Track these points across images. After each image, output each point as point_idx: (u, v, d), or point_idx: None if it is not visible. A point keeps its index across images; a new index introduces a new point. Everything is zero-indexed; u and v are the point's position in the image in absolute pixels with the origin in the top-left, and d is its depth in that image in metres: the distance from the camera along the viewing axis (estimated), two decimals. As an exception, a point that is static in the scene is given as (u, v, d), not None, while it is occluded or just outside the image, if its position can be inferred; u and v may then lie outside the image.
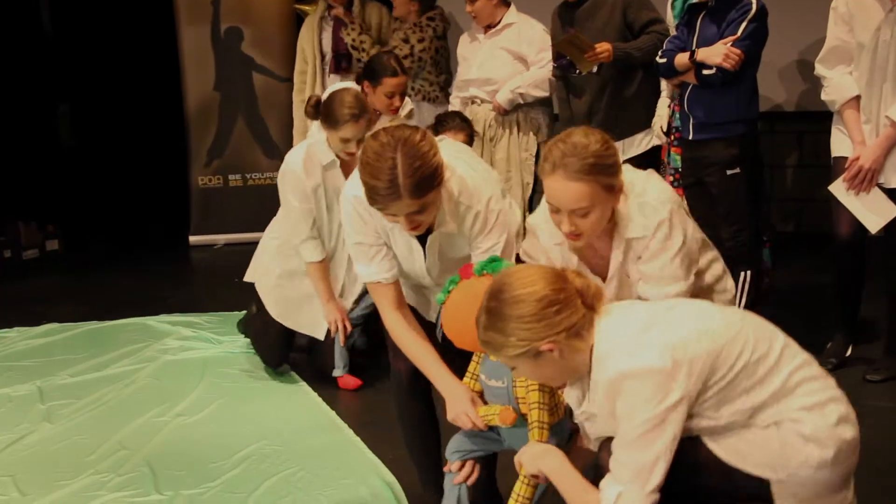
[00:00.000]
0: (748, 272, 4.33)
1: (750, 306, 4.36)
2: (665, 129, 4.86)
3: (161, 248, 7.74)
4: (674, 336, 2.20)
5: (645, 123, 4.84)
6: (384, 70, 4.58)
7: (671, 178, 4.95)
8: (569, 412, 2.62)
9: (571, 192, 2.57)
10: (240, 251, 7.40)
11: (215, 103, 7.49)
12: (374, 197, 2.65)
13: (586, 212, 2.59)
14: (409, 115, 4.84)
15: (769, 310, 4.70)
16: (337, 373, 4.35)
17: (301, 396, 4.27)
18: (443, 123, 4.81)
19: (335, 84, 4.36)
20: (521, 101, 5.27)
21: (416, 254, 2.90)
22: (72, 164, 9.37)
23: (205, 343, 5.04)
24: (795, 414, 2.24)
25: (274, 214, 6.45)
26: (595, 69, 4.71)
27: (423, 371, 2.87)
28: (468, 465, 2.80)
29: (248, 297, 5.71)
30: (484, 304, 2.30)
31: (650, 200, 2.68)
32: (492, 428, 2.72)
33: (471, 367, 2.82)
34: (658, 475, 2.20)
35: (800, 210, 6.91)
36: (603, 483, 2.27)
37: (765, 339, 2.29)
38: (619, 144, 4.71)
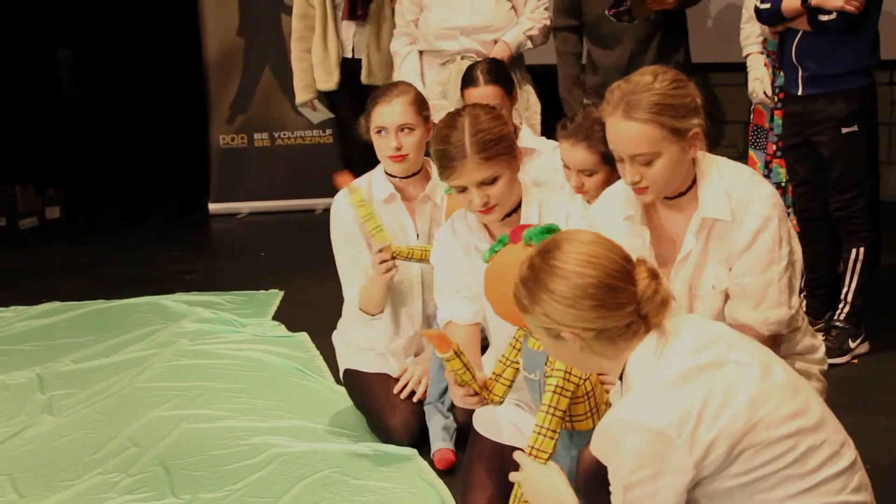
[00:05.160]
0: (861, 248, 4.29)
1: (862, 290, 4.33)
2: (768, 93, 4.85)
3: (177, 217, 7.84)
4: (710, 405, 2.10)
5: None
6: (466, 77, 4.32)
7: (775, 147, 4.92)
8: None
9: (630, 133, 2.63)
10: (266, 221, 7.51)
11: (239, 50, 7.54)
12: (443, 163, 3.07)
13: (650, 158, 2.64)
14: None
15: (875, 296, 4.73)
16: (437, 445, 3.63)
17: (337, 391, 4.29)
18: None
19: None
20: (529, 46, 5.17)
21: None
22: (74, 119, 9.48)
23: (226, 326, 5.10)
24: None
25: (306, 178, 6.53)
26: (652, 16, 4.73)
27: None
28: None
29: (279, 280, 5.83)
30: (531, 255, 2.31)
31: (754, 197, 2.70)
32: None
33: (506, 352, 2.91)
34: None
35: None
36: None
37: (822, 450, 2.16)
38: None
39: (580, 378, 2.66)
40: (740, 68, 5.18)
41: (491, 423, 3.25)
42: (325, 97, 6.02)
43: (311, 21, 5.93)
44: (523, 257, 2.47)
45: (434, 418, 3.67)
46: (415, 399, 3.77)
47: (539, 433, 2.61)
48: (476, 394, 2.87)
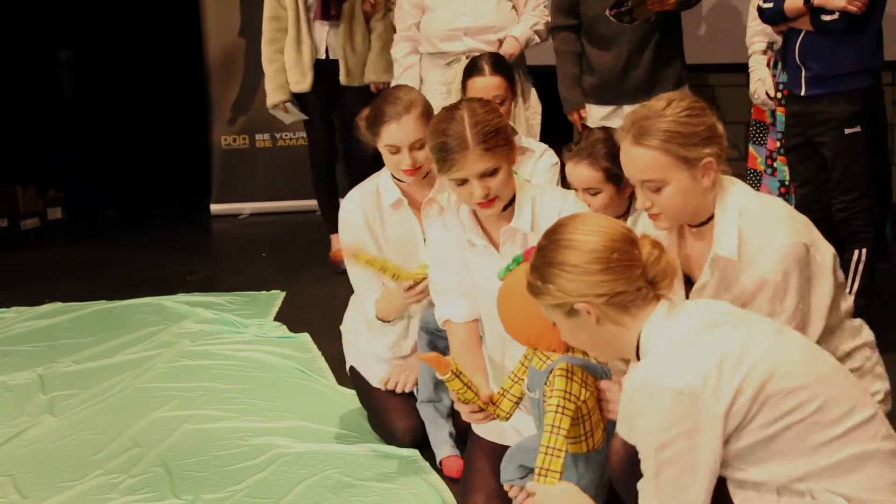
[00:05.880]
0: (863, 249, 4.30)
1: (864, 291, 4.33)
2: (770, 94, 4.85)
3: (178, 218, 7.85)
4: (728, 357, 2.17)
5: (681, 79, 4.86)
6: (471, 67, 4.32)
7: (778, 144, 4.93)
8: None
9: (638, 159, 2.65)
10: (268, 222, 7.52)
11: (241, 51, 7.54)
12: (442, 156, 3.04)
13: (658, 186, 2.65)
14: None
15: (884, 299, 4.72)
16: (444, 452, 3.60)
17: (339, 392, 4.31)
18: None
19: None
20: (537, 41, 5.21)
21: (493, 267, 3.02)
22: (76, 120, 9.48)
23: (228, 327, 5.11)
24: (839, 500, 2.20)
25: (307, 179, 6.52)
26: (653, 17, 4.74)
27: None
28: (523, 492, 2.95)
29: (280, 281, 5.84)
30: (538, 242, 2.40)
31: (767, 246, 2.65)
32: None
33: (515, 369, 2.92)
34: None
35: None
36: None
37: (843, 401, 2.23)
38: None
39: (579, 399, 2.67)
40: (739, 69, 5.18)
41: (489, 425, 3.26)
42: (296, 98, 6.03)
43: (283, 23, 5.93)
44: None
45: (435, 423, 3.65)
46: (406, 390, 3.77)
47: (545, 453, 2.61)
48: (481, 409, 2.88)
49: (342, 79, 5.90)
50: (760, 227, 2.68)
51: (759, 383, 2.15)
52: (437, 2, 5.20)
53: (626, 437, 2.31)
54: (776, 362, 2.18)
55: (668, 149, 2.61)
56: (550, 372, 2.70)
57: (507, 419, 2.95)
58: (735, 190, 2.74)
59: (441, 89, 5.03)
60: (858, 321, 2.89)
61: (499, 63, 4.32)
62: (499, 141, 3.05)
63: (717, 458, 2.18)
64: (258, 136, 7.68)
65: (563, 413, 2.63)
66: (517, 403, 2.93)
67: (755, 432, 2.17)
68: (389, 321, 3.77)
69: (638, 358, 2.34)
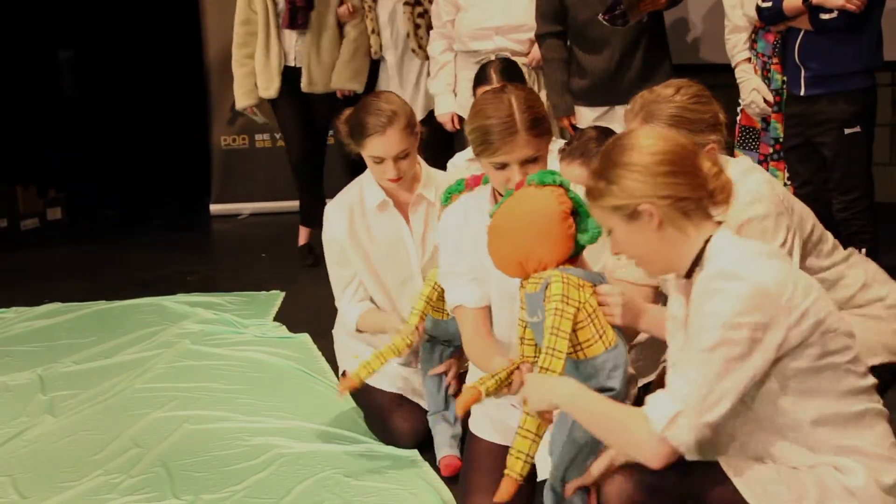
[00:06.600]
0: (863, 249, 4.30)
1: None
2: (768, 99, 4.85)
3: (178, 218, 7.86)
4: (801, 280, 2.25)
5: (670, 76, 4.87)
6: (480, 75, 4.37)
7: (771, 150, 4.93)
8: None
9: None
10: (267, 222, 7.52)
11: (240, 50, 7.54)
12: (487, 139, 2.95)
13: None
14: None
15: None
16: (443, 452, 3.57)
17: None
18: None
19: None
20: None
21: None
22: (76, 120, 9.50)
23: (228, 327, 5.12)
24: (848, 462, 2.27)
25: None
26: (644, 18, 4.75)
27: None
28: None
29: (280, 281, 5.83)
30: (602, 148, 2.44)
31: (746, 184, 2.78)
32: None
33: (519, 315, 2.89)
34: (721, 410, 2.23)
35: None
36: (653, 396, 2.30)
37: (862, 361, 2.34)
38: None
39: (578, 301, 2.66)
40: (726, 69, 5.18)
41: (487, 425, 3.27)
42: (268, 102, 6.03)
43: (254, 27, 5.94)
44: (523, 197, 2.67)
45: (440, 426, 3.64)
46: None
47: (547, 353, 2.61)
48: (517, 367, 2.82)
49: (303, 86, 5.90)
50: (738, 179, 2.75)
51: (823, 313, 2.24)
52: (469, 0, 5.25)
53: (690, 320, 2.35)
54: (831, 304, 2.30)
55: (676, 132, 2.68)
56: (546, 287, 2.70)
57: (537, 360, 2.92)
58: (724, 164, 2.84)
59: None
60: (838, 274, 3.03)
61: (506, 70, 4.34)
62: (544, 129, 3.03)
63: (765, 365, 2.22)
64: (258, 137, 7.69)
65: (562, 316, 2.63)
66: (536, 345, 2.90)
67: (810, 359, 2.24)
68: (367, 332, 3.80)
69: (689, 274, 2.35)
